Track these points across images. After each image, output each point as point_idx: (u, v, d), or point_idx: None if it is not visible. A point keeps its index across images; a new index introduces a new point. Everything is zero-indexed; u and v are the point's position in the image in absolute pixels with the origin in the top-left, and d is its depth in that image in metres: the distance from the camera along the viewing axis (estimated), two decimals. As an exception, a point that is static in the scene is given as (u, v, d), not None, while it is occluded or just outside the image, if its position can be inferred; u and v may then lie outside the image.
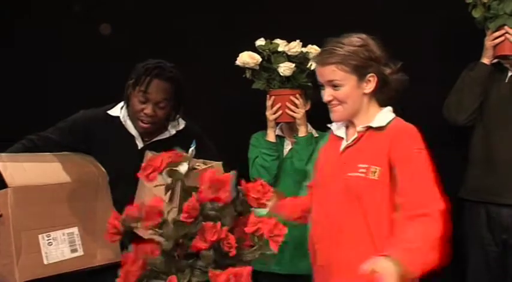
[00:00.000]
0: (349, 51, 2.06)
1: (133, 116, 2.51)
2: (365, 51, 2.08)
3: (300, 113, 2.90)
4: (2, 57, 3.45)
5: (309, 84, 2.92)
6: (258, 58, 2.87)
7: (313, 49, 2.89)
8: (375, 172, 2.03)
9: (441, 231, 1.94)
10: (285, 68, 2.83)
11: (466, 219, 2.94)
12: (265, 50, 2.90)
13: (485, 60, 2.85)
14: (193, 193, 1.75)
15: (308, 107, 2.98)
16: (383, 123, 2.09)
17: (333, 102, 2.11)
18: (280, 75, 2.86)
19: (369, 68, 2.08)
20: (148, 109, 2.46)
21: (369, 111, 2.13)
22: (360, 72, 2.08)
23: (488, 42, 2.82)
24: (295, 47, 2.87)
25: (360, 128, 2.11)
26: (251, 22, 3.29)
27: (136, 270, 1.72)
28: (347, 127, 2.19)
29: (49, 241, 2.26)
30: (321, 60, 2.11)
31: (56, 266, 2.26)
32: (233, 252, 1.68)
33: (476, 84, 2.85)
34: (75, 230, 2.32)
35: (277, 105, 2.91)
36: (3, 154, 2.35)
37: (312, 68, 2.87)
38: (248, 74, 2.92)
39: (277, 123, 3.00)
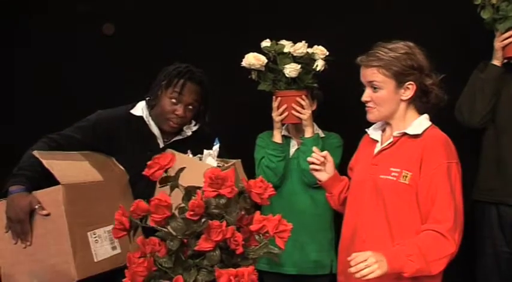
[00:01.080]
0: (392, 57, 2.16)
1: (161, 116, 2.57)
2: (408, 59, 2.17)
3: (306, 113, 2.88)
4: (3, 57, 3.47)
5: (315, 85, 2.91)
6: (263, 59, 2.85)
7: (318, 50, 2.87)
8: (406, 177, 2.12)
9: (449, 249, 2.05)
10: (291, 69, 2.81)
11: (478, 219, 2.91)
12: (270, 51, 2.88)
13: (496, 61, 2.84)
14: (198, 190, 1.74)
15: (314, 107, 2.97)
16: (419, 132, 2.18)
17: (370, 104, 2.23)
18: (286, 77, 2.84)
19: (409, 76, 2.17)
20: (179, 110, 2.53)
21: (406, 117, 2.22)
22: (400, 78, 2.17)
23: (498, 44, 2.81)
24: (300, 48, 2.85)
25: (396, 133, 2.21)
26: (256, 23, 3.28)
27: (142, 270, 1.70)
28: (383, 131, 2.29)
29: (95, 239, 2.27)
30: (365, 61, 2.21)
31: (103, 263, 2.27)
32: (240, 249, 1.67)
33: (487, 86, 2.83)
34: (112, 227, 2.34)
35: (284, 107, 2.89)
36: (42, 152, 2.34)
37: (318, 69, 2.87)
38: (254, 76, 2.91)
39: (283, 124, 2.98)
